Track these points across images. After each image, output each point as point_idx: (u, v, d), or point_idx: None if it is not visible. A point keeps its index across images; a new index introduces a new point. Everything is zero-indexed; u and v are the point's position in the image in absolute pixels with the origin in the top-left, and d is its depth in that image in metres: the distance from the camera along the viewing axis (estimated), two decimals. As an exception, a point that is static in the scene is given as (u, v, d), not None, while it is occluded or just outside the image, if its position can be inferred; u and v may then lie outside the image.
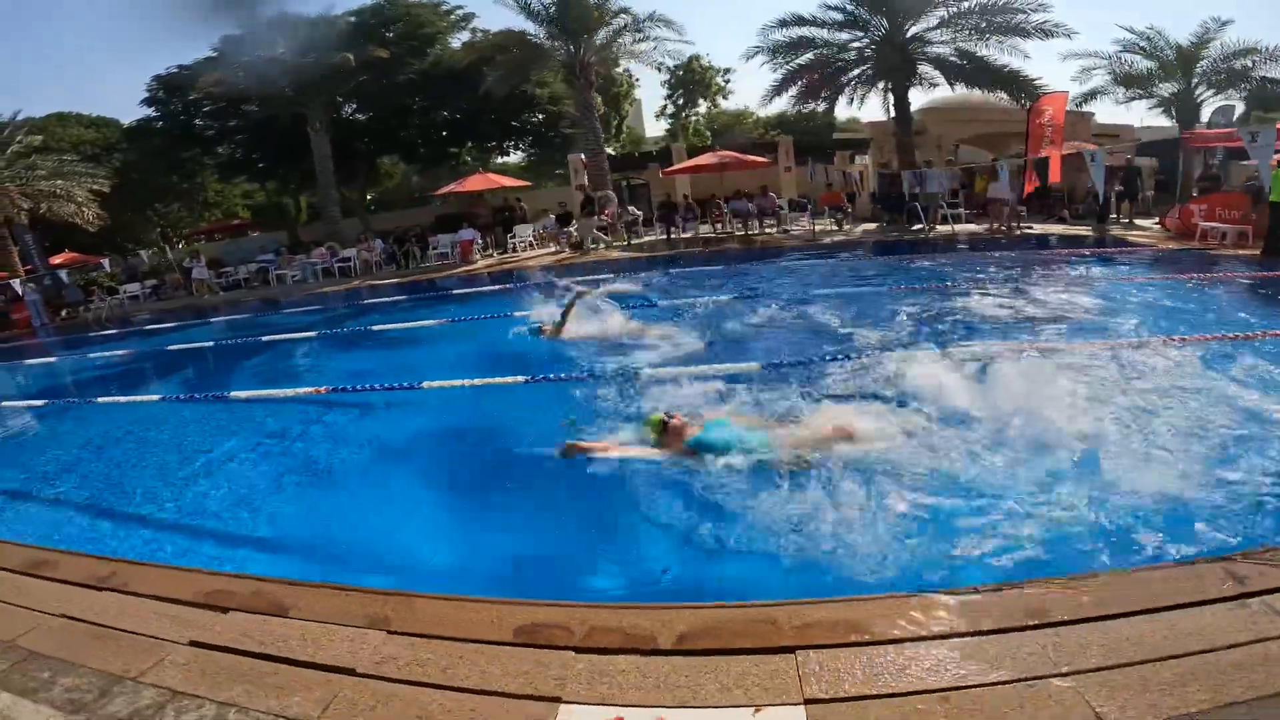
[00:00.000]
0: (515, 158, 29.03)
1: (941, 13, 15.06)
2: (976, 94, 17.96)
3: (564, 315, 7.67)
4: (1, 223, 19.16)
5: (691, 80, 28.58)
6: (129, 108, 65.84)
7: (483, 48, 19.79)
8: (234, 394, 7.42)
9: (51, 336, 16.27)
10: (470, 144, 25.36)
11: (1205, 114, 16.53)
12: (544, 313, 8.36)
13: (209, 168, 24.66)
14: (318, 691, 2.14)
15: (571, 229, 18.03)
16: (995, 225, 14.38)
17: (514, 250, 18.82)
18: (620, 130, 28.86)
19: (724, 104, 29.98)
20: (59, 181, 19.50)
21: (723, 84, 29.55)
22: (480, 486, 4.51)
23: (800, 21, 16.55)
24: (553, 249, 18.66)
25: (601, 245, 17.37)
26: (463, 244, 18.41)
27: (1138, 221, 14.39)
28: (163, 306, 18.66)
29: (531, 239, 19.04)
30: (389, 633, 2.42)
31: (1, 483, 5.65)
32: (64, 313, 18.94)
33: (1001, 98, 15.98)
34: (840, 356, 5.87)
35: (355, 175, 23.75)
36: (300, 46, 18.66)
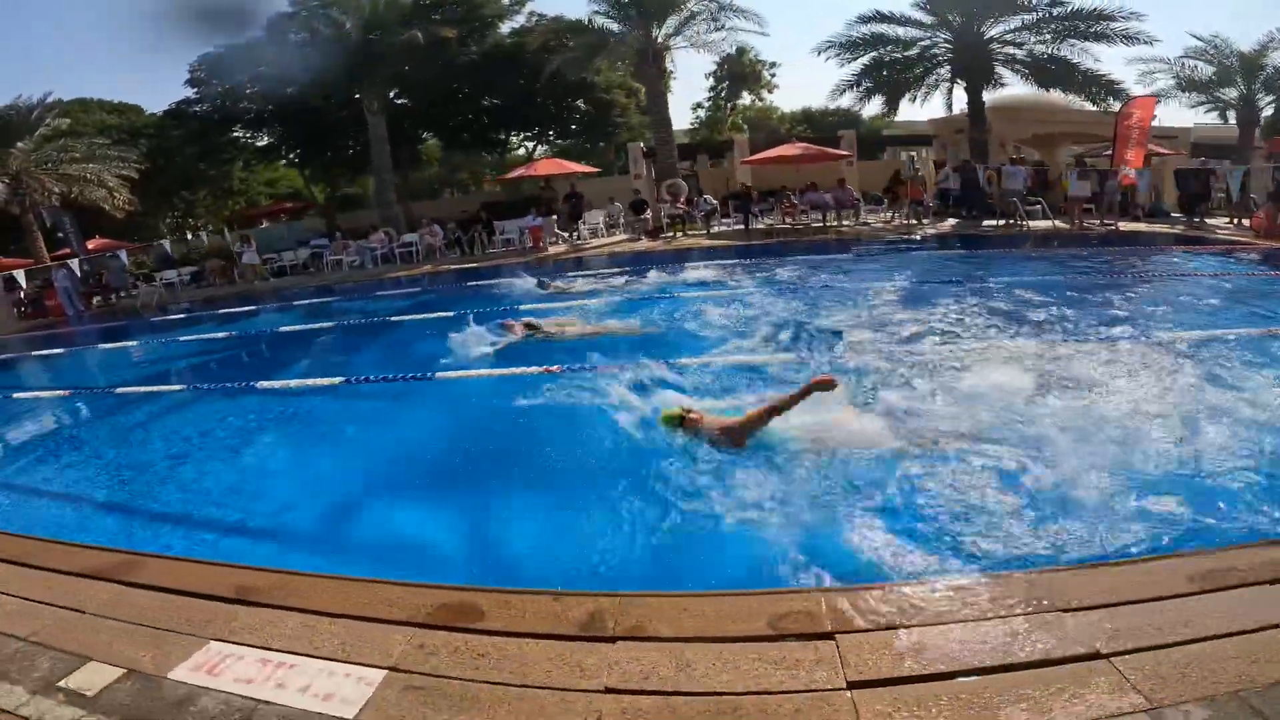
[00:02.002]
0: (544, 148, 28.71)
1: (1029, 16, 15.48)
2: (1034, 94, 18.55)
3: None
4: (28, 208, 18.27)
5: (741, 73, 28.67)
6: (144, 96, 62.40)
7: (546, 32, 19.57)
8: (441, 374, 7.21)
9: (116, 322, 15.50)
10: (516, 131, 25.02)
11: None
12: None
13: (248, 151, 23.83)
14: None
15: (646, 216, 18.01)
16: (1077, 222, 14.93)
17: (582, 237, 18.74)
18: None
19: (768, 97, 30.29)
20: (90, 165, 18.71)
21: (769, 77, 29.84)
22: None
23: (882, 19, 16.83)
24: (622, 236, 18.62)
25: (678, 234, 17.42)
26: (533, 230, 18.21)
27: (1208, 221, 15.12)
28: (211, 294, 18.00)
29: (601, 226, 18.96)
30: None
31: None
32: (95, 299, 18.13)
33: (1072, 99, 16.58)
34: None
35: (399, 162, 23.23)
36: (364, 24, 18.15)
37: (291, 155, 24.09)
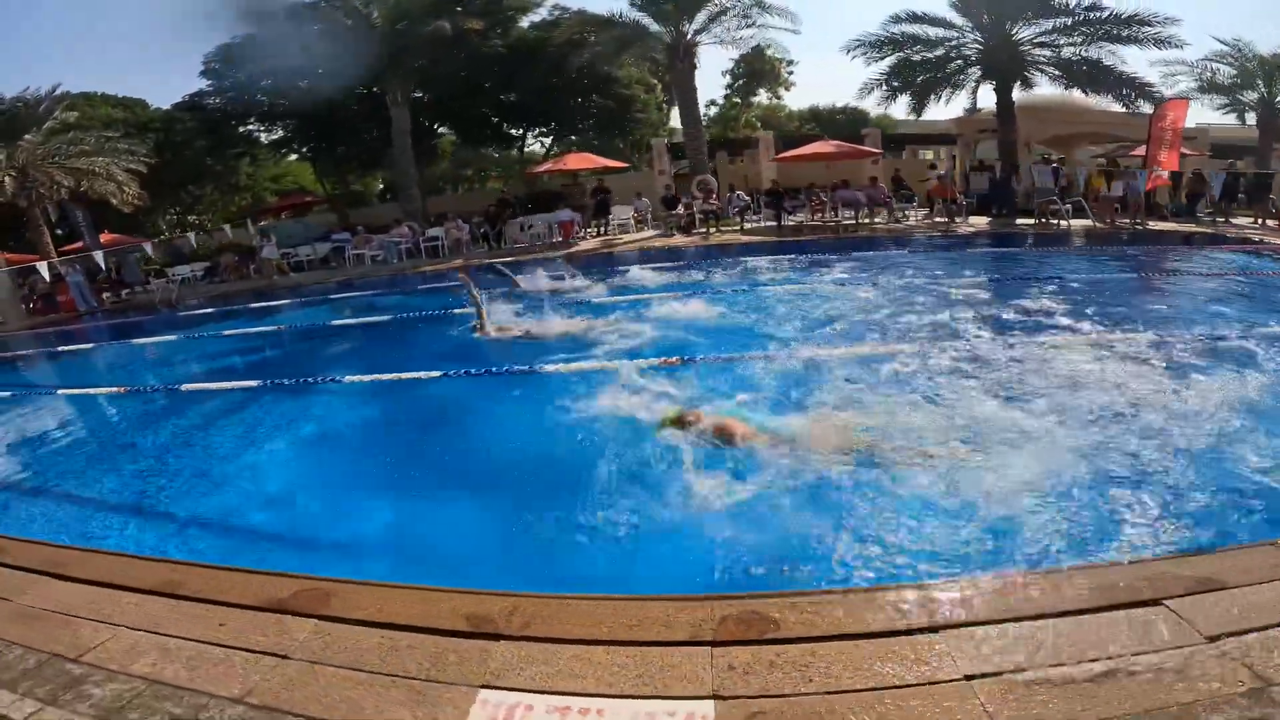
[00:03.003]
0: (558, 145, 28.47)
1: (1065, 19, 15.67)
2: (1057, 95, 18.83)
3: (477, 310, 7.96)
4: (34, 201, 17.70)
5: (761, 70, 28.67)
6: (147, 92, 60.52)
7: (574, 25, 19.42)
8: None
9: (137, 317, 15.02)
10: (533, 127, 24.84)
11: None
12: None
13: (259, 145, 23.32)
14: None
15: (679, 212, 17.99)
16: (1109, 221, 15.24)
17: (611, 232, 18.67)
18: (667, 119, 28.80)
19: (783, 95, 30.42)
20: (99, 159, 18.19)
21: (787, 75, 29.91)
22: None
23: (915, 19, 16.97)
24: (652, 232, 18.57)
25: (712, 230, 17.43)
26: (564, 225, 18.10)
27: (1233, 221, 15.53)
28: (226, 289, 17.60)
29: (630, 222, 18.90)
30: None
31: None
32: (106, 295, 17.65)
33: (1098, 100, 16.88)
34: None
35: (416, 156, 22.87)
36: (390, 14, 17.84)
37: (304, 149, 23.63)
